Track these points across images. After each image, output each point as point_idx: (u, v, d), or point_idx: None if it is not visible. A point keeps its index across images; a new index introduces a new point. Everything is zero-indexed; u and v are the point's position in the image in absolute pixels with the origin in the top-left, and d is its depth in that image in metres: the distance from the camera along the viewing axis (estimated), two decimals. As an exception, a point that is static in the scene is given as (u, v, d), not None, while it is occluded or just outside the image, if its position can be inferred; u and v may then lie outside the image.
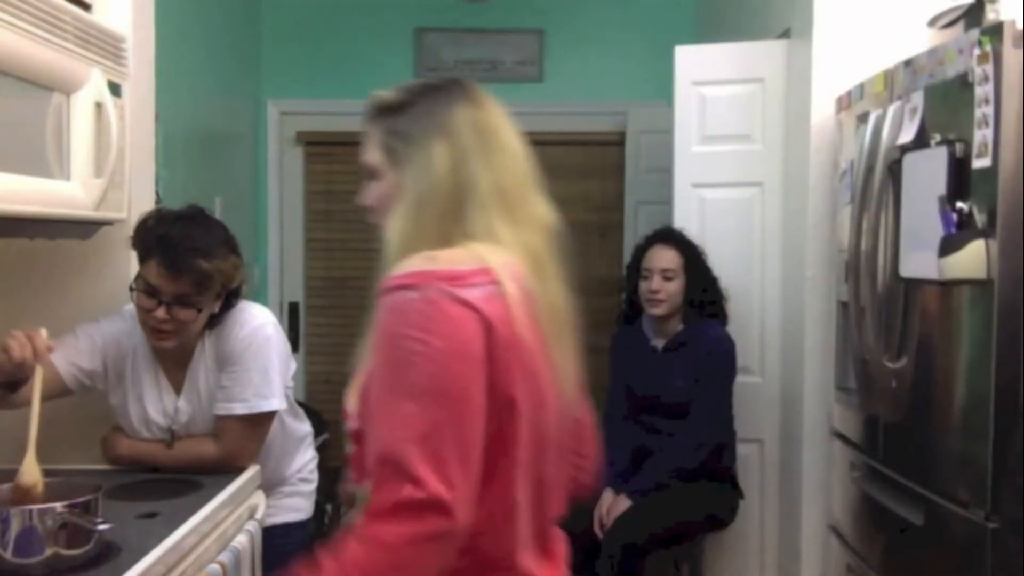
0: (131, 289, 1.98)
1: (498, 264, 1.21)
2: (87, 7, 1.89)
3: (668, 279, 3.04)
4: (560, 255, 1.32)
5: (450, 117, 1.28)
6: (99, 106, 1.84)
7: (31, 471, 1.61)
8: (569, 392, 1.31)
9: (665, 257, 3.06)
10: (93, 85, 1.83)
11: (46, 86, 1.71)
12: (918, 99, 2.14)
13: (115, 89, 1.91)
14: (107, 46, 1.90)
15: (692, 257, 3.08)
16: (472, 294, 1.17)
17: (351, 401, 1.25)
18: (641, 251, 3.15)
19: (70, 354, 2.04)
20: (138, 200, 2.13)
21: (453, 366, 1.14)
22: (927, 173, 2.05)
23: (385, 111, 1.32)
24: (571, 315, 1.31)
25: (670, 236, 3.13)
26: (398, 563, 1.12)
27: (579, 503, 3.08)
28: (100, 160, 1.85)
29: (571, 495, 1.41)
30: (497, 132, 1.31)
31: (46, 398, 1.76)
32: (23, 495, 1.59)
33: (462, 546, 1.16)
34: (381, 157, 1.31)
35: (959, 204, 1.93)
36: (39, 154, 1.70)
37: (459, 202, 1.26)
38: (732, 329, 3.11)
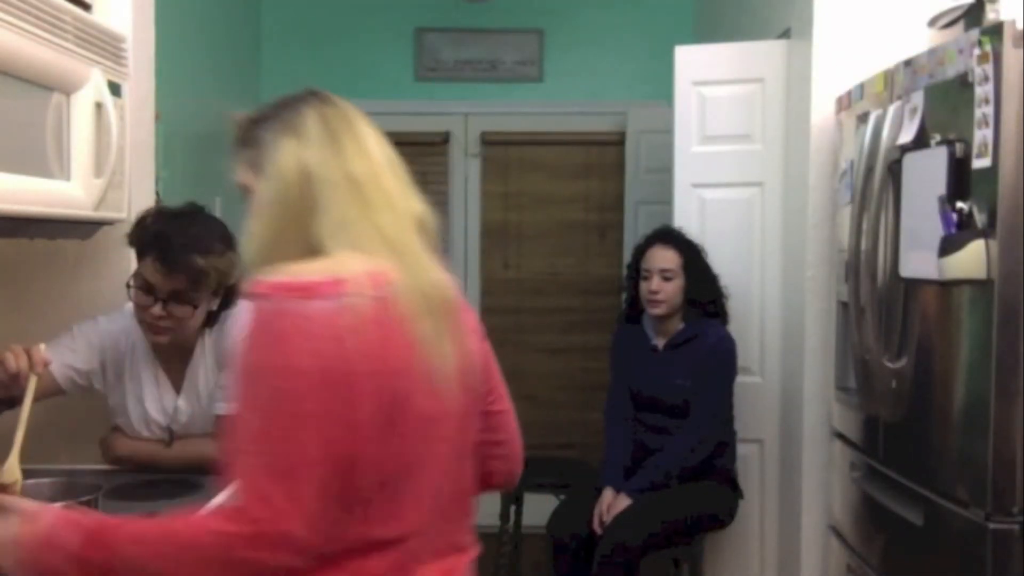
0: (128, 286, 1.99)
1: (356, 273, 1.18)
2: (87, 7, 1.89)
3: (667, 279, 3.04)
4: (425, 240, 1.28)
5: (298, 116, 1.29)
6: (99, 106, 1.84)
7: (12, 470, 1.64)
8: (456, 382, 1.25)
9: (664, 257, 3.06)
10: (93, 85, 1.83)
11: (46, 86, 1.71)
12: (918, 99, 2.14)
13: (115, 89, 1.91)
14: (107, 46, 1.91)
15: (691, 257, 3.08)
16: (319, 307, 1.15)
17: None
18: (640, 251, 3.15)
19: (65, 355, 2.04)
20: (138, 200, 2.13)
21: (290, 384, 1.13)
22: (927, 173, 2.05)
23: (244, 130, 1.33)
24: (452, 299, 1.27)
25: (669, 236, 3.13)
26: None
27: (580, 502, 3.08)
28: (100, 160, 1.86)
29: (491, 485, 1.41)
30: (349, 125, 1.30)
31: (39, 398, 1.78)
32: (2, 491, 1.60)
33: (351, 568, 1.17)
34: (246, 171, 1.31)
35: (959, 204, 1.93)
36: (39, 154, 1.70)
37: (309, 194, 1.24)
38: (732, 329, 3.10)
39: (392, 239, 1.24)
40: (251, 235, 1.27)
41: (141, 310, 1.98)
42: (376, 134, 1.32)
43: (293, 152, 1.26)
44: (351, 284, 1.16)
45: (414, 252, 1.25)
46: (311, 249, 1.23)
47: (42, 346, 1.83)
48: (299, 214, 1.24)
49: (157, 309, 1.95)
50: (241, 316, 2.11)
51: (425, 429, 1.22)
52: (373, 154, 1.29)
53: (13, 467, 1.64)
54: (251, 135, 1.31)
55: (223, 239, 2.02)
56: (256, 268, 1.22)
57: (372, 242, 1.23)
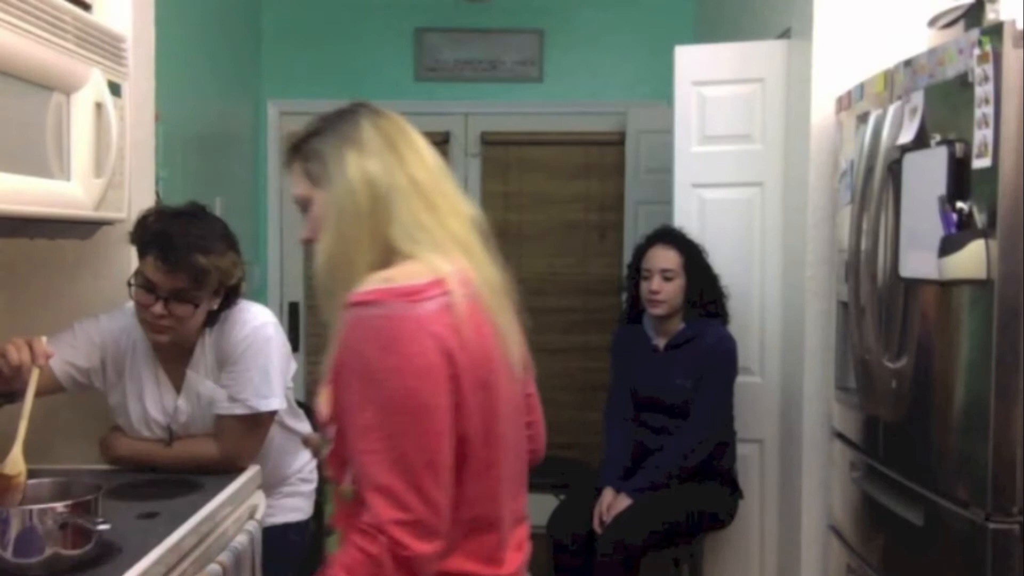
0: (129, 284, 1.99)
1: (449, 272, 1.28)
2: (87, 7, 1.89)
3: (668, 279, 3.04)
4: (484, 240, 1.39)
5: (356, 127, 1.35)
6: (99, 106, 1.84)
7: (16, 462, 1.64)
8: (517, 366, 1.38)
9: (665, 257, 3.06)
10: (93, 85, 1.83)
11: (46, 86, 1.71)
12: (918, 99, 2.14)
13: (115, 89, 1.91)
14: (107, 46, 1.91)
15: (692, 256, 3.08)
16: (427, 308, 1.23)
17: (322, 407, 1.30)
18: (641, 251, 3.15)
19: (66, 352, 2.04)
20: (138, 200, 2.13)
21: (412, 382, 1.21)
22: (927, 173, 2.05)
23: (298, 143, 1.39)
24: (508, 291, 1.39)
25: (669, 236, 3.13)
26: None
27: (580, 502, 3.08)
28: (100, 160, 1.86)
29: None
30: (403, 134, 1.38)
31: (38, 394, 1.78)
32: (6, 483, 1.61)
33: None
34: (306, 184, 1.37)
35: (959, 204, 1.93)
36: (39, 154, 1.70)
37: (380, 201, 1.31)
38: (732, 329, 3.11)
39: (462, 240, 1.34)
40: (324, 244, 1.33)
41: (142, 308, 1.98)
42: (425, 141, 1.39)
43: (357, 163, 1.32)
44: (448, 283, 1.26)
45: (479, 251, 1.36)
46: (386, 253, 1.30)
47: (44, 339, 1.83)
48: (372, 221, 1.31)
49: (158, 308, 1.95)
50: (242, 317, 2.14)
51: (508, 412, 1.33)
52: (429, 160, 1.37)
53: (17, 459, 1.65)
54: (309, 148, 1.36)
55: (224, 238, 2.02)
56: (330, 275, 1.30)
57: (448, 244, 1.32)
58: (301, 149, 1.38)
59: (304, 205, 1.39)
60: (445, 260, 1.29)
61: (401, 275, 1.26)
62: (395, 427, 1.20)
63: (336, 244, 1.31)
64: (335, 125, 1.36)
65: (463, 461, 1.26)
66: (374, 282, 1.25)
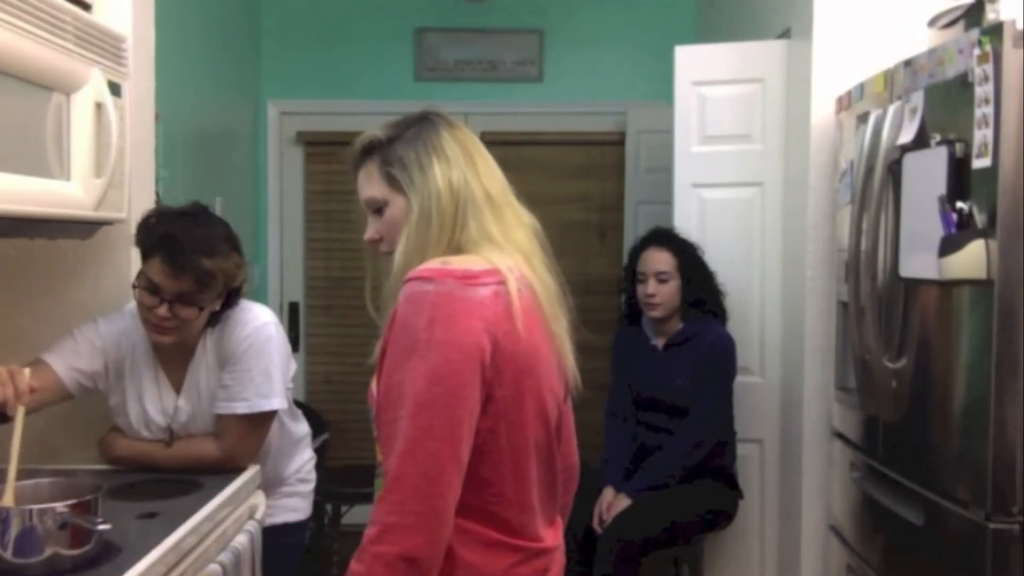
0: (134, 287, 1.98)
1: (504, 266, 1.34)
2: (87, 7, 1.89)
3: (663, 281, 3.04)
4: (543, 249, 1.47)
5: (438, 138, 1.42)
6: (99, 106, 1.84)
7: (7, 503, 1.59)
8: (568, 374, 1.46)
9: (659, 260, 3.05)
10: (93, 85, 1.83)
11: (46, 86, 1.71)
12: (918, 99, 2.14)
13: (115, 89, 1.91)
14: (107, 46, 1.91)
15: (687, 257, 3.08)
16: (480, 292, 1.29)
17: (374, 385, 1.36)
18: (635, 254, 3.14)
19: (70, 359, 2.03)
20: (138, 200, 2.13)
21: (454, 356, 1.25)
22: (927, 173, 2.05)
23: (375, 147, 1.44)
24: (561, 296, 1.47)
25: (663, 238, 3.13)
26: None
27: (580, 502, 3.07)
28: (100, 160, 1.86)
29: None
30: (476, 145, 1.46)
31: (50, 404, 1.76)
32: None
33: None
34: (384, 187, 1.42)
35: (959, 204, 1.93)
36: (39, 154, 1.70)
37: (458, 210, 1.39)
38: (732, 329, 3.10)
39: (524, 249, 1.42)
40: (401, 246, 1.39)
41: (146, 310, 1.98)
42: (488, 153, 1.47)
43: (442, 172, 1.39)
44: (504, 275, 1.33)
45: (539, 260, 1.44)
46: (454, 255, 1.37)
47: (27, 371, 1.80)
48: (449, 228, 1.38)
49: (163, 310, 1.95)
50: (243, 317, 2.14)
51: (542, 411, 1.38)
52: (497, 172, 1.46)
53: (8, 502, 1.57)
54: (390, 153, 1.42)
55: (228, 240, 2.02)
56: (403, 275, 1.35)
57: (510, 250, 1.39)
58: (381, 153, 1.43)
59: (377, 207, 1.44)
60: (504, 258, 1.36)
61: (458, 261, 1.33)
62: (429, 398, 1.24)
63: (413, 247, 1.38)
64: (416, 133, 1.42)
65: (490, 447, 1.31)
66: (432, 263, 1.31)
